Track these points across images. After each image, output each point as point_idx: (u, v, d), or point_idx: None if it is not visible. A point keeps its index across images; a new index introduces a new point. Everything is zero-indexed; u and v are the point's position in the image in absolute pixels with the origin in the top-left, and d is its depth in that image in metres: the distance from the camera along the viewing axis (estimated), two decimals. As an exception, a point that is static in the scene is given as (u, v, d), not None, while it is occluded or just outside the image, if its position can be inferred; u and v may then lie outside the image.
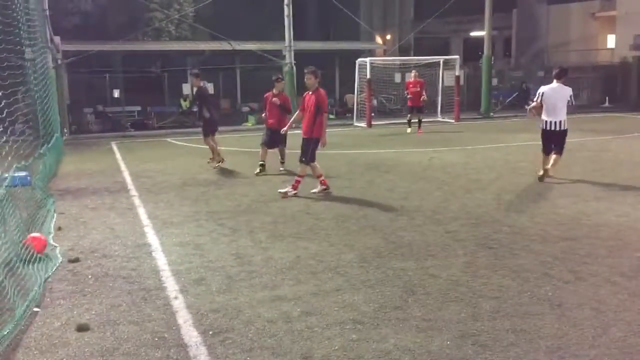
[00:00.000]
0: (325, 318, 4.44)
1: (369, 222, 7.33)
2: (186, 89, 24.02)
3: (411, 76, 18.63)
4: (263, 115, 11.69)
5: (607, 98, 26.59)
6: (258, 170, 11.05)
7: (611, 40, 30.53)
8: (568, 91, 9.62)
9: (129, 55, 24.45)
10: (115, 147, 16.64)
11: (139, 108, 23.42)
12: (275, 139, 10.98)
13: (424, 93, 18.07)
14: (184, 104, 23.25)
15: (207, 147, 12.21)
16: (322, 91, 8.97)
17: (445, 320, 4.35)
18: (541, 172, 9.64)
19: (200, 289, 5.12)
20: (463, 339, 4.02)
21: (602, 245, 6.10)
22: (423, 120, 18.74)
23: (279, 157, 11.46)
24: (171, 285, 5.22)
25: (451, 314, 4.46)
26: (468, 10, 28.69)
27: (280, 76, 11.68)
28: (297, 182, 9.07)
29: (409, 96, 18.32)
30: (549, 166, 9.64)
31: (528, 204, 8.10)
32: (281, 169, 11.35)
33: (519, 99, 27.29)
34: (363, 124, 21.31)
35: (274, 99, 11.06)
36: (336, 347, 3.96)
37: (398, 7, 34.04)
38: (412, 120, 18.50)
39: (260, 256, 6.03)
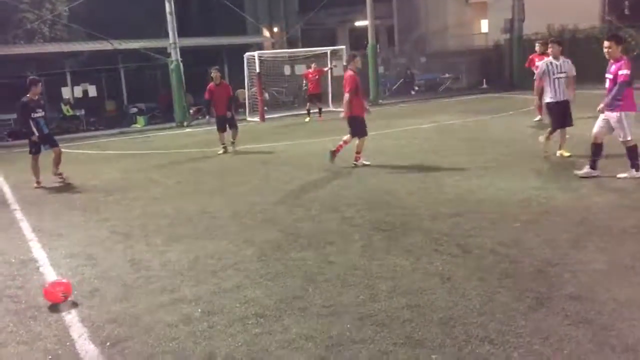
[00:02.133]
0: (227, 316, 4.43)
1: (267, 216, 7.36)
2: (66, 92, 22.82)
3: (311, 67, 19.48)
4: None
5: (484, 80, 28.20)
6: (222, 151, 13.00)
7: (484, 25, 32.39)
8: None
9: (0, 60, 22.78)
10: (-9, 159, 15.50)
11: (14, 116, 21.90)
12: (225, 123, 13.13)
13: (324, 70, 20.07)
14: (66, 109, 22.07)
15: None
16: (347, 73, 10.12)
17: (345, 304, 4.47)
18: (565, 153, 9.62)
19: (94, 300, 4.93)
20: (362, 321, 4.16)
21: (485, 218, 6.50)
22: (317, 109, 19.42)
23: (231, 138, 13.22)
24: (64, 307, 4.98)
25: (350, 298, 4.60)
26: (352, 1, 29.33)
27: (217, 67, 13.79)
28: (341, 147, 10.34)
29: (307, 86, 19.14)
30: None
31: (417, 185, 8.45)
32: (231, 149, 13.14)
33: (405, 85, 28.35)
34: (256, 119, 21.25)
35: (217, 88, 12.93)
36: (240, 344, 3.97)
37: (282, 0, 34.18)
38: (311, 110, 19.18)
39: (157, 260, 5.89)
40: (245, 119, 21.65)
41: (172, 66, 21.14)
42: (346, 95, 10.02)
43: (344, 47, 23.98)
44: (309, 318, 4.27)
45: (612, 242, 5.46)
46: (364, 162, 10.24)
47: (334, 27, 35.71)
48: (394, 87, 28.01)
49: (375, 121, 17.36)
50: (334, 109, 22.82)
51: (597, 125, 8.05)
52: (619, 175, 7.91)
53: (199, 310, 4.56)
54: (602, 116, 7.95)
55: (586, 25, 25.03)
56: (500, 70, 28.40)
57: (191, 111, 22.19)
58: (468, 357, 3.58)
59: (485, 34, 31.64)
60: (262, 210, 7.68)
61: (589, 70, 15.98)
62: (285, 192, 8.67)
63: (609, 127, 7.92)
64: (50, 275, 5.65)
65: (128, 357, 3.88)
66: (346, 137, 10.46)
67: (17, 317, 4.69)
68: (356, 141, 10.29)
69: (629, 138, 7.78)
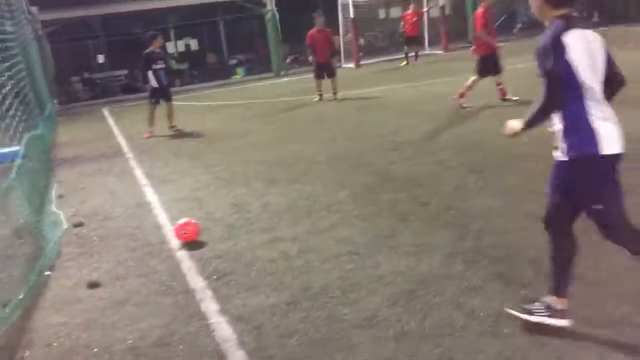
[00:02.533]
0: (322, 253, 4.66)
1: (361, 160, 7.50)
2: (170, 47, 23.84)
3: (409, 8, 19.04)
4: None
5: (595, 13, 26.25)
6: (317, 98, 13.15)
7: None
8: None
9: (109, 19, 24.11)
10: (106, 113, 16.69)
11: (126, 71, 23.29)
12: (323, 71, 13.17)
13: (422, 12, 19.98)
14: (173, 63, 23.11)
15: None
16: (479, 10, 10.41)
17: (435, 243, 4.57)
18: None
19: (201, 239, 5.34)
20: (452, 258, 4.24)
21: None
22: (413, 52, 19.07)
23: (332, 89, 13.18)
24: (173, 239, 5.43)
25: (440, 237, 4.68)
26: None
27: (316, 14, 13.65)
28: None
29: (404, 28, 18.80)
30: None
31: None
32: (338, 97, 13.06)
33: (507, 23, 26.99)
34: (351, 65, 21.20)
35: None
36: (334, 278, 4.19)
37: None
38: (409, 54, 18.94)
39: (257, 203, 6.23)
40: (340, 66, 21.70)
41: (267, 16, 21.42)
42: (477, 33, 10.07)
43: (441, -14, 23.10)
44: (400, 255, 4.42)
45: None
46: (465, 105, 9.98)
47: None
48: (495, 25, 26.75)
49: (473, 62, 16.82)
50: (430, 52, 22.28)
51: None
52: None
53: (296, 248, 4.83)
54: None
55: None
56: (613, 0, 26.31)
57: (288, 60, 22.50)
58: (558, 294, 3.58)
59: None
60: (355, 154, 7.82)
61: None
62: (379, 136, 8.75)
63: None
64: (162, 216, 6.15)
65: (232, 289, 4.22)
66: (472, 79, 10.14)
67: (134, 253, 5.19)
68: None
69: None
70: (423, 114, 10.11)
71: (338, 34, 22.07)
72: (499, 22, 26.86)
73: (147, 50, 11.07)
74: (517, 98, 9.80)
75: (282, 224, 5.47)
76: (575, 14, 3.20)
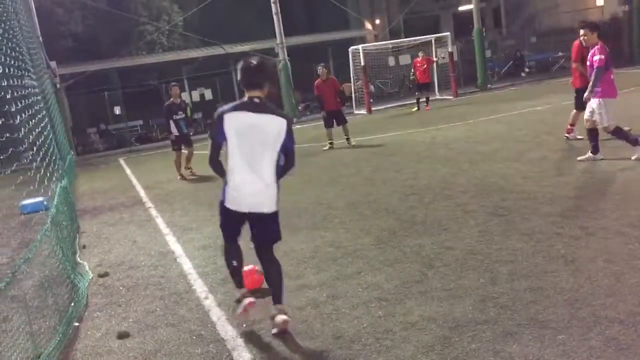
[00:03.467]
0: (351, 300, 4.65)
1: (381, 205, 7.53)
2: (185, 97, 24.30)
3: (419, 55, 19.39)
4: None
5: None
6: (328, 147, 13.09)
7: (599, -2, 30.45)
8: None
9: (125, 71, 24.72)
10: (123, 163, 16.90)
11: (141, 122, 23.71)
12: (332, 119, 13.18)
13: (432, 60, 20.18)
14: (189, 113, 23.49)
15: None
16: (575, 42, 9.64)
17: (465, 287, 4.55)
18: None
19: (228, 286, 5.32)
20: (484, 303, 4.21)
21: (609, 200, 6.28)
22: (424, 98, 19.35)
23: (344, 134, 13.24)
24: (200, 287, 5.44)
25: (470, 281, 4.66)
26: (454, -15, 28.74)
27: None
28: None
29: (415, 75, 19.12)
30: None
31: (533, 168, 8.26)
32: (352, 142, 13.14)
33: (514, 68, 27.37)
34: (363, 111, 21.47)
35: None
36: (365, 325, 4.17)
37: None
38: (420, 99, 19.19)
39: (280, 249, 6.22)
40: (352, 112, 21.97)
41: (280, 65, 21.87)
42: (573, 65, 9.64)
43: (448, 34, 23.57)
44: (430, 301, 4.40)
45: None
46: (577, 136, 9.73)
47: (436, 14, 35.09)
48: (503, 70, 27.12)
49: (485, 105, 17.04)
50: (440, 97, 22.55)
51: (587, 112, 8.10)
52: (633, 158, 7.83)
53: (324, 294, 4.82)
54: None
55: None
56: (618, 44, 26.63)
57: (300, 107, 22.83)
58: (597, 338, 3.53)
59: (601, 7, 29.75)
60: (375, 199, 7.86)
61: None
62: (397, 181, 8.80)
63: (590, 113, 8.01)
64: (186, 265, 6.17)
65: (264, 337, 4.21)
66: (572, 113, 9.77)
67: (162, 302, 5.20)
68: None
69: (605, 124, 7.79)
70: (438, 158, 10.18)
71: (349, 81, 22.46)
72: (506, 67, 27.30)
73: (168, 102, 11.67)
74: (580, 137, 9.60)
75: (307, 271, 5.47)
76: (257, 99, 4.15)
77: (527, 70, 27.20)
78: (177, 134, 11.74)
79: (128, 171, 14.98)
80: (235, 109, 4.12)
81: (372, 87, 23.75)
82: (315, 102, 15.28)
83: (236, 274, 4.55)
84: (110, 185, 12.76)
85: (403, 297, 4.55)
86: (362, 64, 21.20)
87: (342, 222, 6.97)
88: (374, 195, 8.09)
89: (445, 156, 10.22)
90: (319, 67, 13.47)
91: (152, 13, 27.24)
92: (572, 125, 9.86)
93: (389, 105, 22.17)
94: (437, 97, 22.72)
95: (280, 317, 4.19)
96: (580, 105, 8.95)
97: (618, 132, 8.00)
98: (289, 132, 4.13)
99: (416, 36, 23.93)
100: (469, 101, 20.46)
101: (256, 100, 4.14)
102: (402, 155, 11.05)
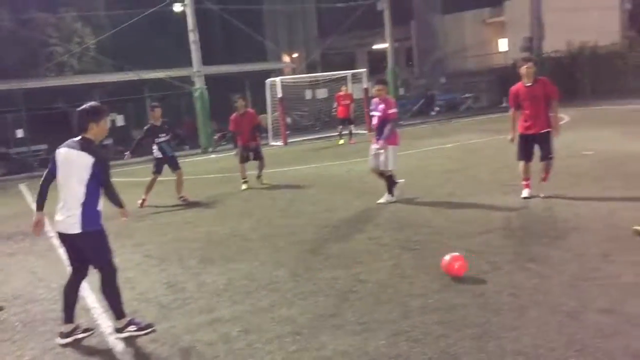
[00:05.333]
0: (264, 334, 4.56)
1: (296, 237, 7.50)
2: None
3: (341, 90, 19.63)
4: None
5: (503, 98, 28.22)
6: (245, 187, 11.83)
7: (503, 44, 32.53)
8: None
9: (31, 93, 23.49)
10: (24, 189, 15.94)
11: (45, 146, 22.54)
12: (248, 154, 12.16)
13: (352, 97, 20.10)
14: (94, 138, 22.61)
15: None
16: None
17: (379, 321, 4.58)
18: None
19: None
20: (397, 337, 4.25)
21: (514, 236, 6.58)
22: (348, 131, 19.61)
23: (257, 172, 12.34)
24: (105, 322, 5.16)
25: (383, 315, 4.70)
26: (370, 25, 29.73)
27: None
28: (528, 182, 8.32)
29: (337, 109, 19.33)
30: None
31: (443, 204, 8.54)
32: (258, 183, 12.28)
33: (425, 106, 28.52)
34: (279, 143, 21.54)
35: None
36: (278, 360, 4.09)
37: (302, 26, 34.74)
38: (343, 132, 19.37)
39: (192, 282, 6.06)
40: (268, 144, 21.98)
41: (196, 94, 21.62)
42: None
43: (364, 70, 24.26)
44: (344, 335, 4.39)
45: (641, 256, 5.50)
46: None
47: (353, 50, 36.15)
48: (415, 107, 28.18)
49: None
50: (355, 132, 22.98)
51: (372, 159, 8.83)
52: (378, 201, 8.83)
53: (237, 329, 4.70)
54: (374, 148, 8.74)
55: (606, 42, 25.02)
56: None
57: (216, 137, 22.60)
58: (503, 370, 3.65)
59: (505, 52, 31.76)
60: (290, 232, 7.83)
61: (612, 84, 15.96)
62: (312, 213, 8.83)
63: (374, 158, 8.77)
64: (90, 298, 5.84)
65: (172, 375, 4.03)
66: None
67: (66, 337, 4.86)
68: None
69: (390, 168, 8.64)
70: (353, 191, 10.34)
71: (266, 112, 22.52)
72: (417, 106, 28.41)
73: (148, 125, 11.17)
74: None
75: (220, 304, 5.32)
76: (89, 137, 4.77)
77: (436, 109, 28.39)
78: (159, 156, 11.03)
79: (29, 198, 14.12)
80: (62, 146, 4.87)
81: (289, 119, 23.93)
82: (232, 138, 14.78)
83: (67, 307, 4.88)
84: (8, 213, 11.98)
85: (317, 331, 4.52)
86: (280, 95, 21.35)
87: (256, 255, 6.88)
88: (289, 228, 8.06)
89: (360, 190, 10.39)
90: (237, 99, 12.69)
91: (62, 34, 26.25)
92: (527, 179, 8.43)
93: (306, 138, 22.39)
94: (353, 131, 23.20)
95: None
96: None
97: (391, 179, 8.87)
98: (99, 166, 4.68)
99: (333, 71, 24.47)
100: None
101: (78, 139, 4.79)
102: (317, 188, 11.12)
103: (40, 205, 4.98)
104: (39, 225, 5.04)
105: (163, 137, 10.97)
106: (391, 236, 7.10)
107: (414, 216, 7.98)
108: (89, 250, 4.84)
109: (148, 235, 8.46)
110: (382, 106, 8.76)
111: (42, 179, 4.94)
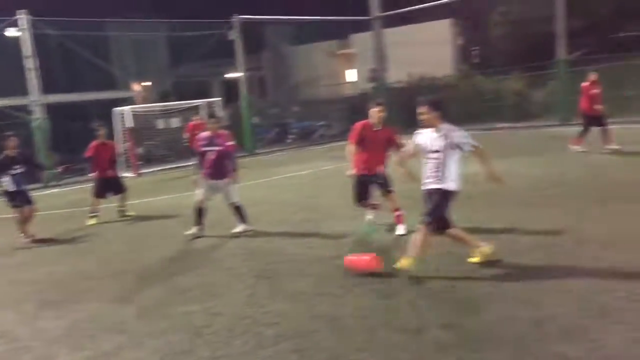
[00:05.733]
0: (111, 379, 4.26)
1: (147, 272, 7.17)
2: None
3: (194, 119, 19.06)
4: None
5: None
6: (94, 221, 11.09)
7: (352, 74, 34.15)
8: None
9: None
10: None
11: None
12: (106, 188, 11.54)
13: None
14: None
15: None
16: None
17: (233, 354, 4.48)
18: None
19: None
20: (251, 369, 4.19)
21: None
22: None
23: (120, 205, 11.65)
24: None
25: (238, 347, 4.61)
26: (222, 53, 29.71)
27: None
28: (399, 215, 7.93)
29: (189, 139, 18.64)
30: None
31: (297, 231, 8.64)
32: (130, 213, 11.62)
33: (279, 134, 28.97)
34: (130, 174, 20.63)
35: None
36: (125, 407, 3.83)
37: (152, 54, 33.87)
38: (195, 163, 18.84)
39: (28, 329, 5.53)
40: (120, 175, 20.95)
41: (35, 124, 20.10)
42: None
43: (219, 99, 24.14)
44: (197, 372, 4.23)
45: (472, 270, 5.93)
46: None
47: (207, 79, 35.88)
48: (269, 135, 28.52)
49: (253, 170, 17.58)
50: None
51: (201, 192, 8.90)
52: (233, 231, 8.78)
53: (79, 377, 4.35)
54: (214, 183, 8.73)
55: (442, 74, 27.25)
56: (365, 116, 29.94)
57: (60, 169, 21.12)
58: (354, 392, 3.72)
59: (354, 82, 33.35)
60: (141, 267, 7.46)
61: (449, 112, 17.29)
62: (163, 246, 8.49)
63: (212, 192, 8.90)
64: None
65: None
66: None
67: None
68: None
69: (235, 200, 8.85)
70: (208, 222, 10.11)
71: (114, 142, 21.48)
72: (271, 134, 28.78)
73: (1, 156, 9.79)
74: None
75: (60, 352, 4.90)
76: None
77: (291, 137, 28.95)
78: (13, 189, 9.87)
79: None
80: None
81: (140, 149, 23.04)
82: (79, 164, 13.82)
83: None
84: None
85: (168, 371, 4.31)
86: (129, 125, 20.53)
87: (101, 293, 6.45)
88: (139, 263, 7.68)
89: (213, 220, 10.19)
90: (98, 127, 12.09)
91: None
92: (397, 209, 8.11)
93: (160, 168, 21.66)
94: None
95: None
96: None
97: (240, 209, 8.88)
98: None
99: (187, 99, 24.04)
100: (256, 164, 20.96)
101: None
102: (170, 220, 10.74)
103: None
104: None
105: (18, 170, 10.01)
106: (246, 266, 7.03)
107: (269, 244, 7.98)
108: None
109: None
110: (219, 140, 8.69)
111: None
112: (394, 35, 28.11)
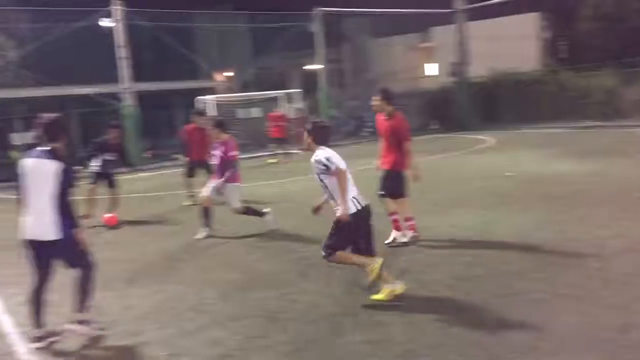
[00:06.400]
0: (194, 358, 4.50)
1: (226, 258, 7.45)
2: (17, 138, 22.45)
3: (275, 110, 19.68)
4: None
5: (435, 121, 29.15)
6: (190, 202, 11.55)
7: (432, 68, 33.65)
8: None
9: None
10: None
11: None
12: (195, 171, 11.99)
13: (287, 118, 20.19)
14: (14, 155, 21.64)
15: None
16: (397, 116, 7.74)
17: (308, 340, 4.61)
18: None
19: (58, 345, 4.90)
20: (326, 356, 4.29)
21: (439, 254, 6.79)
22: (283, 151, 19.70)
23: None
24: (22, 349, 4.93)
25: (312, 334, 4.73)
26: (303, 45, 30.04)
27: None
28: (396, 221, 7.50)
29: (270, 130, 19.36)
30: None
31: (373, 223, 8.66)
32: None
33: (355, 127, 29.02)
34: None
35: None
36: (206, 383, 4.04)
37: (235, 44, 34.71)
38: (277, 152, 19.45)
39: (117, 305, 5.89)
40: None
41: (125, 111, 21.13)
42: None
43: (298, 90, 24.46)
44: (275, 355, 4.39)
45: (553, 272, 5.79)
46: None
47: (287, 70, 36.38)
48: (346, 128, 28.61)
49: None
50: (290, 151, 23.07)
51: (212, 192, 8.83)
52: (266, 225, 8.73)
53: (166, 353, 4.61)
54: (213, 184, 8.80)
55: (528, 69, 26.34)
56: (448, 111, 29.44)
57: (149, 154, 22.11)
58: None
59: (433, 76, 32.86)
60: (220, 252, 7.76)
61: (532, 109, 16.78)
62: (243, 233, 8.77)
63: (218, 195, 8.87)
64: (7, 323, 5.58)
65: (94, 402, 3.89)
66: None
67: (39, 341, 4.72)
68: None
69: (235, 206, 8.82)
70: (283, 211, 10.33)
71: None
72: (348, 126, 28.86)
73: (101, 140, 10.73)
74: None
75: (147, 328, 5.20)
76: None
77: (366, 130, 28.92)
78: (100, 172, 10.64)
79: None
80: (28, 156, 4.99)
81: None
82: (165, 149, 14.52)
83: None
84: None
85: (248, 352, 4.50)
86: (213, 114, 21.19)
87: (185, 275, 6.77)
88: (219, 248, 7.99)
89: (289, 209, 10.42)
90: (195, 114, 12.64)
91: (-17, 47, 25.14)
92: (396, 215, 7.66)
93: (239, 157, 22.26)
94: (287, 150, 23.30)
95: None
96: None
97: (249, 211, 8.98)
98: (67, 173, 4.82)
99: (267, 90, 24.54)
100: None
101: (46, 148, 4.93)
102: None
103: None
104: None
105: (111, 157, 10.69)
106: (319, 256, 7.14)
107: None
108: (67, 253, 4.94)
109: (72, 257, 8.13)
110: (222, 148, 8.77)
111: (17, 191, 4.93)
112: (476, 28, 27.49)
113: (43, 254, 4.90)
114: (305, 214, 9.74)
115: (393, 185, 7.55)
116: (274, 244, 7.99)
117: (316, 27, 24.80)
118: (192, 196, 11.77)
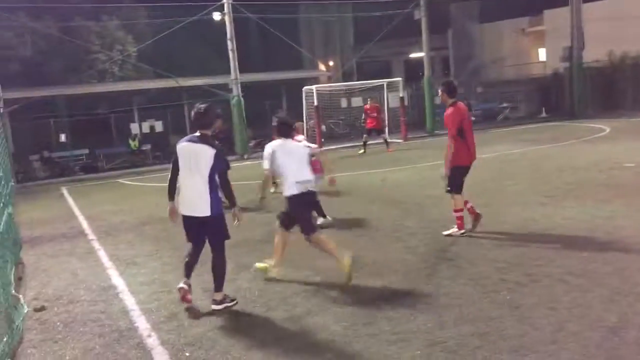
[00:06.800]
0: (303, 339, 4.59)
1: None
2: (134, 128, 23.92)
3: (368, 102, 19.61)
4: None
5: (543, 108, 27.79)
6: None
7: (542, 54, 32.04)
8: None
9: (73, 99, 24.16)
10: (66, 192, 16.36)
11: (86, 151, 23.12)
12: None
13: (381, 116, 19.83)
14: (133, 144, 23.09)
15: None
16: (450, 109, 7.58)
17: (414, 331, 4.56)
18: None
19: (172, 324, 5.19)
20: (432, 347, 4.23)
21: (552, 248, 6.47)
22: (377, 141, 19.62)
23: None
24: (143, 324, 5.26)
25: (418, 325, 4.68)
26: (406, 33, 29.62)
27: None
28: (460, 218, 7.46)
29: (365, 121, 19.35)
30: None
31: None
32: None
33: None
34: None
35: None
36: (313, 367, 4.11)
37: (338, 34, 34.87)
38: (367, 142, 19.41)
39: (227, 288, 6.08)
40: (303, 151, 22.03)
41: (233, 101, 21.88)
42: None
43: (399, 79, 24.18)
44: (378, 344, 4.38)
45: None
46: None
47: (389, 59, 36.07)
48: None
49: (434, 150, 17.41)
50: (390, 140, 22.94)
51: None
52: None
53: (271, 336, 4.74)
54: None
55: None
56: (560, 98, 27.94)
57: (252, 144, 22.79)
58: (540, 385, 3.60)
59: (544, 62, 31.28)
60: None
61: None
62: (347, 221, 8.83)
63: None
64: (129, 301, 5.97)
65: (208, 378, 4.08)
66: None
67: (102, 339, 4.99)
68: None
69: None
70: (388, 200, 10.30)
71: (302, 120, 22.61)
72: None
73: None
74: None
75: (256, 310, 5.38)
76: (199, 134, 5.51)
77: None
78: None
79: (70, 201, 14.50)
80: (182, 141, 5.59)
81: (323, 127, 23.99)
82: (269, 139, 14.81)
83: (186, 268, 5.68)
84: (50, 215, 12.30)
85: (352, 339, 4.53)
86: (315, 104, 21.46)
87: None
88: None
89: (395, 198, 10.35)
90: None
91: (105, 42, 26.92)
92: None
93: (340, 146, 22.41)
94: (388, 139, 23.14)
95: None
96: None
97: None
98: (218, 158, 5.38)
99: (369, 79, 24.45)
100: (417, 145, 20.93)
101: (198, 134, 5.52)
102: (353, 196, 11.11)
103: (172, 196, 5.63)
104: (173, 213, 5.68)
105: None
106: (427, 245, 7.07)
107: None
108: (212, 230, 5.52)
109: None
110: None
111: (170, 173, 5.57)
112: (593, 9, 25.80)
113: (195, 228, 5.51)
114: (410, 204, 9.67)
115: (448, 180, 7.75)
116: (380, 232, 7.97)
117: (421, 14, 24.32)
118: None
